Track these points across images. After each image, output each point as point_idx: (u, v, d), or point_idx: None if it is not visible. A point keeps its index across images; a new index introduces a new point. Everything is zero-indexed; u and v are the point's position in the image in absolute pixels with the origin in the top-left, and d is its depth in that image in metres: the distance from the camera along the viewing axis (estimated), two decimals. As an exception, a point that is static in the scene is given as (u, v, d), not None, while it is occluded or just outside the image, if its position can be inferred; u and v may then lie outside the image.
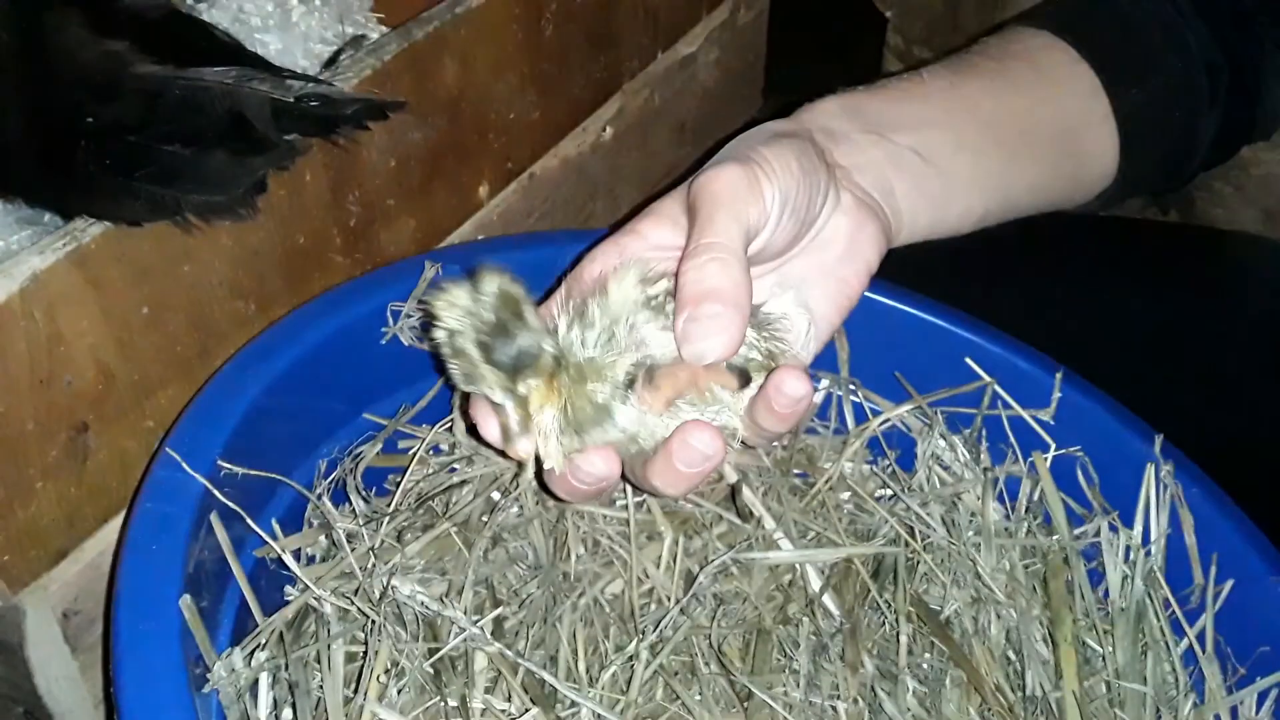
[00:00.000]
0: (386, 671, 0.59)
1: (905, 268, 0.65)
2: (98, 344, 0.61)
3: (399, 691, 0.59)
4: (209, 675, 0.51)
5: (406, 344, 0.68)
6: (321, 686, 0.57)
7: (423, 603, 0.60)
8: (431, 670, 0.59)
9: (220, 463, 0.55)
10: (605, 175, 1.08)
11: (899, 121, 0.58)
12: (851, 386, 0.77)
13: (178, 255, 0.64)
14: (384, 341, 0.68)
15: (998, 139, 0.62)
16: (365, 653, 0.58)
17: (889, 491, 0.75)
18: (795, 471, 0.76)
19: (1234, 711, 0.64)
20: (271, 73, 0.67)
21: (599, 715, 0.58)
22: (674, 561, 0.68)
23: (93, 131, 0.61)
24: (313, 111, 0.64)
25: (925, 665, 0.68)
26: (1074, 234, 0.89)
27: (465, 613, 0.62)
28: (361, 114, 0.67)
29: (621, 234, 0.54)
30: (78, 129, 0.61)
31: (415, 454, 0.68)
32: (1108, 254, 0.87)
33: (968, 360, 0.75)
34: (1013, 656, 0.68)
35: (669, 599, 0.67)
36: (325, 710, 0.55)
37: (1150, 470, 0.69)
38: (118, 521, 0.65)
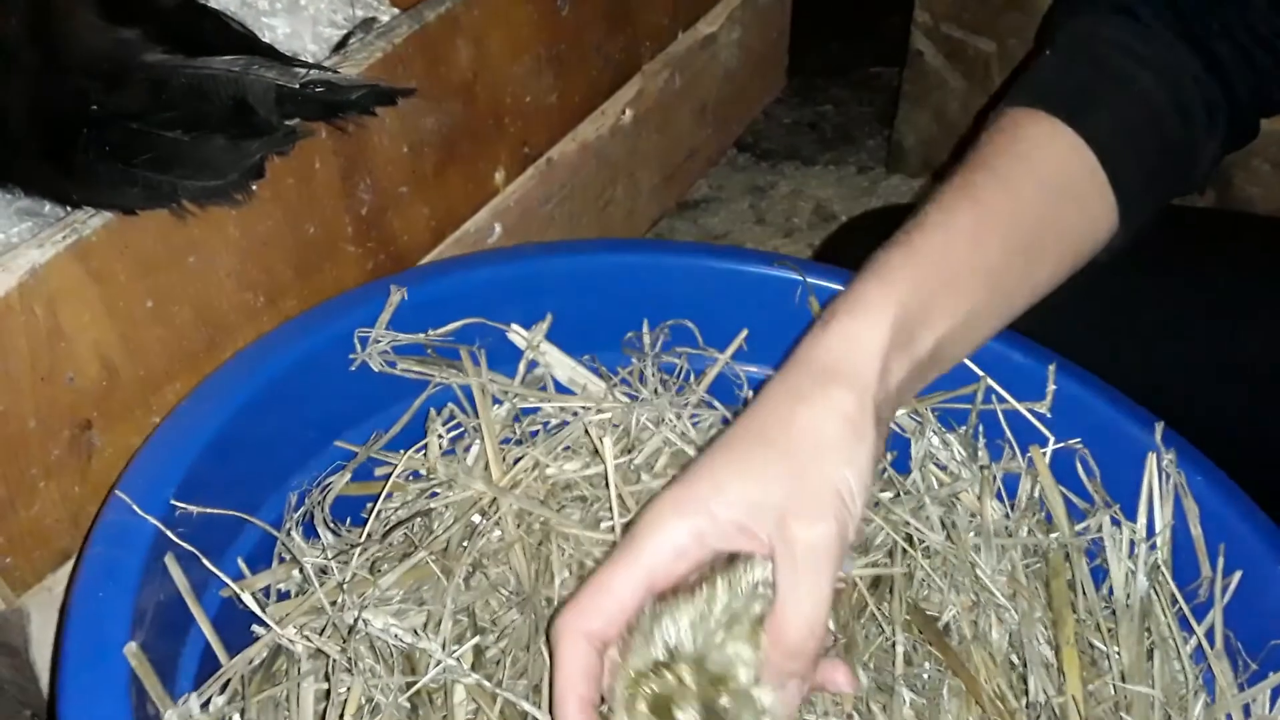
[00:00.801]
0: (360, 709, 0.58)
1: None
2: (101, 339, 0.61)
3: (374, 728, 0.58)
4: (163, 724, 0.50)
5: (376, 369, 0.67)
6: (291, 728, 0.56)
7: (396, 635, 0.59)
8: (408, 704, 0.58)
9: (174, 503, 0.55)
10: (625, 159, 1.07)
11: (926, 315, 0.57)
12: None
13: (182, 247, 0.64)
14: (352, 369, 0.67)
15: (1008, 290, 0.61)
16: (332, 692, 0.57)
17: (886, 495, 0.73)
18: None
19: (1246, 709, 0.61)
20: (281, 61, 0.67)
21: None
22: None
23: (96, 119, 0.61)
24: (317, 97, 0.64)
25: (924, 675, 0.65)
26: None
27: (444, 643, 0.61)
28: (369, 99, 0.67)
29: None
30: (82, 116, 0.61)
31: (390, 480, 0.67)
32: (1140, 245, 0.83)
33: (960, 354, 0.72)
34: (1015, 661, 0.65)
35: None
36: (294, 753, 0.54)
37: (1151, 460, 0.66)
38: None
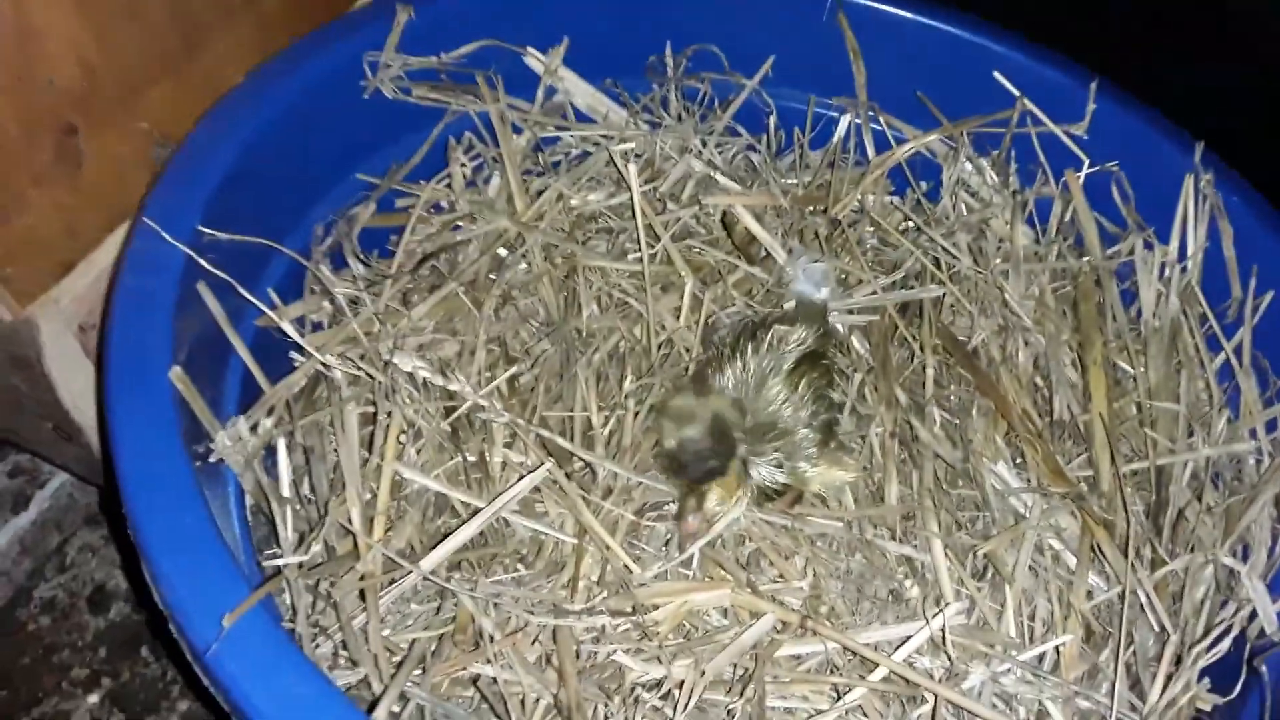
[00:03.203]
0: (403, 433, 0.58)
1: None
2: (76, 39, 0.58)
3: (418, 451, 0.58)
4: (213, 445, 0.50)
5: (390, 96, 0.64)
6: (337, 451, 0.56)
7: (424, 379, 0.59)
8: (449, 429, 0.59)
9: (201, 229, 0.53)
10: None
11: None
12: (871, 112, 0.73)
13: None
14: (365, 96, 0.64)
15: None
16: (377, 416, 0.57)
17: (914, 224, 0.72)
18: (816, 208, 0.73)
19: (1271, 424, 0.62)
20: None
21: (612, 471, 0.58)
22: (698, 308, 0.66)
23: None
24: None
25: (952, 398, 0.66)
26: None
27: (479, 371, 0.61)
28: None
29: None
30: None
31: (415, 212, 0.65)
32: None
33: (996, 74, 0.70)
34: (1040, 383, 0.66)
35: (687, 351, 0.65)
36: (342, 474, 0.55)
37: (1189, 181, 0.65)
38: (121, 232, 0.62)
